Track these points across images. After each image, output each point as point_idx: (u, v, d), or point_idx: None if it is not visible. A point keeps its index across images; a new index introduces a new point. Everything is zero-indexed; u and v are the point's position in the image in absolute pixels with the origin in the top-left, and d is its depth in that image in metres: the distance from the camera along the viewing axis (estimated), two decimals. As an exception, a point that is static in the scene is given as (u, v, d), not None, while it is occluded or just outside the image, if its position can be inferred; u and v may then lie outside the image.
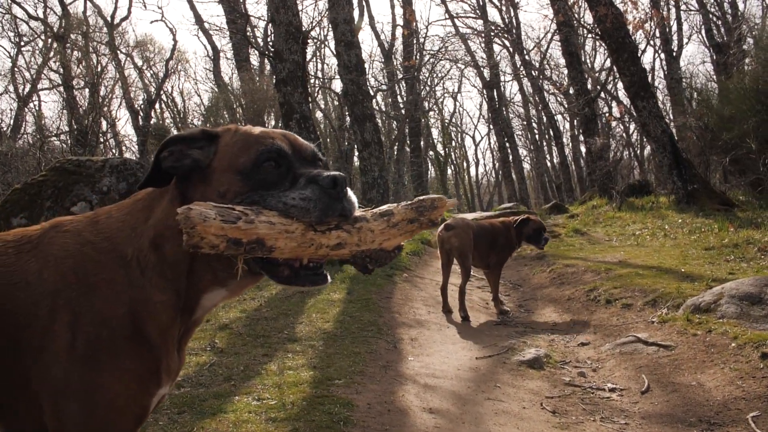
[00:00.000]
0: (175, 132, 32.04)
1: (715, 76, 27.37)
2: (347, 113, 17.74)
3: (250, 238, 1.53)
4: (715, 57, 28.36)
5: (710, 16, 29.44)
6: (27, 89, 32.20)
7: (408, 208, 1.77)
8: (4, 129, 28.03)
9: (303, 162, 1.77)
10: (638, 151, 35.56)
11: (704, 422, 3.89)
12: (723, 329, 5.19)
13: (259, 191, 1.67)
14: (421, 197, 1.82)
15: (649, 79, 32.71)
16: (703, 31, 31.69)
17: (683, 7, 32.04)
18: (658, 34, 28.97)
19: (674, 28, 31.16)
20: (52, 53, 31.01)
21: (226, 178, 1.71)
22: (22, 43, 32.41)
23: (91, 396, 1.61)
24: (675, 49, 30.32)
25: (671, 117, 26.31)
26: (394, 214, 1.75)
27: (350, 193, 1.69)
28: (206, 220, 1.48)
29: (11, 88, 32.20)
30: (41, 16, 32.59)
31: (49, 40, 31.59)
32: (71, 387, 1.61)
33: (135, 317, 1.68)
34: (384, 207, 1.79)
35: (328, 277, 1.75)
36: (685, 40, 36.40)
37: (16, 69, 32.39)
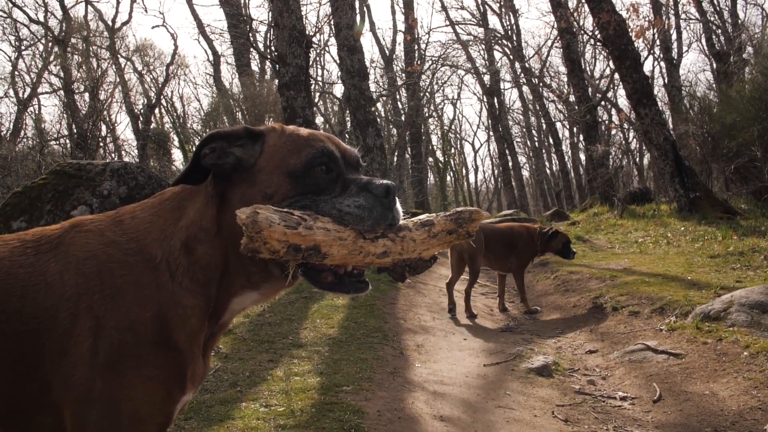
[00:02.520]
0: (175, 137, 31.94)
1: (715, 85, 27.46)
2: (348, 118, 17.70)
3: (308, 244, 1.50)
4: (715, 65, 28.44)
5: (710, 24, 29.53)
6: (27, 93, 32.16)
7: (447, 219, 1.78)
8: (4, 132, 27.99)
9: (349, 167, 1.75)
10: (637, 159, 35.64)
11: (720, 432, 3.82)
12: (734, 338, 5.13)
13: (309, 195, 1.64)
14: (459, 209, 1.82)
15: (650, 86, 32.85)
16: (703, 40, 31.82)
17: (683, 15, 32.15)
18: (658, 42, 29.03)
19: (674, 36, 31.25)
20: (52, 57, 31.00)
21: (275, 180, 1.66)
22: (23, 47, 32.43)
23: (114, 404, 1.54)
24: (675, 57, 30.37)
25: (671, 125, 26.33)
26: (435, 225, 1.75)
27: (398, 202, 1.68)
28: (272, 225, 1.45)
29: (11, 91, 32.16)
30: (42, 19, 32.61)
31: (50, 44, 31.60)
32: (93, 394, 1.54)
33: (162, 322, 1.62)
34: (424, 216, 1.78)
35: (369, 285, 1.73)
36: (684, 49, 36.52)
37: (16, 72, 32.37)
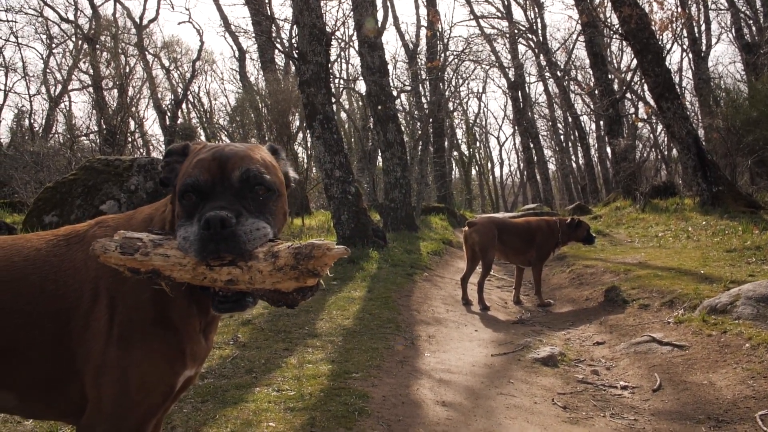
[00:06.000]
0: (201, 132, 32.34)
1: (745, 77, 27.02)
2: (370, 114, 17.89)
3: (146, 268, 1.68)
4: (745, 57, 27.95)
5: (740, 15, 28.98)
6: (58, 90, 33.04)
7: (290, 254, 1.63)
8: (37, 129, 28.75)
9: (226, 192, 1.76)
10: (665, 153, 35.22)
11: (713, 419, 3.95)
12: (738, 330, 5.23)
13: (182, 219, 1.76)
14: (307, 242, 1.65)
15: (678, 79, 32.42)
16: (733, 31, 31.24)
17: (712, 6, 31.62)
18: (686, 34, 28.65)
19: (703, 27, 30.76)
20: (82, 54, 31.73)
21: (175, 200, 1.85)
22: (54, 45, 33.28)
23: (124, 373, 1.80)
24: (703, 49, 29.92)
25: (699, 117, 26.02)
26: (279, 257, 1.63)
27: (242, 230, 1.66)
28: (106, 252, 1.68)
29: (43, 89, 33.06)
30: (72, 18, 33.40)
31: (80, 41, 32.35)
32: (108, 364, 1.81)
33: (158, 302, 1.87)
34: (282, 245, 1.67)
35: (244, 305, 1.74)
36: (714, 40, 35.98)
37: (47, 70, 33.24)
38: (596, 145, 38.46)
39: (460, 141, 46.93)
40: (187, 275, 1.67)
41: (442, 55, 25.50)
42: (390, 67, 18.95)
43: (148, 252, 1.67)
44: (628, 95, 30.63)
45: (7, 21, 41.25)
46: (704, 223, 12.63)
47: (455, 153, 44.65)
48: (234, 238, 1.63)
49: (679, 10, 23.00)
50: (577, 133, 36.06)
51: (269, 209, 1.80)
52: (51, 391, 1.90)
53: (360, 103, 30.52)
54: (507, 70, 36.30)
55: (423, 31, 29.58)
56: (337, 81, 27.18)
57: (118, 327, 1.82)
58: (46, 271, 1.90)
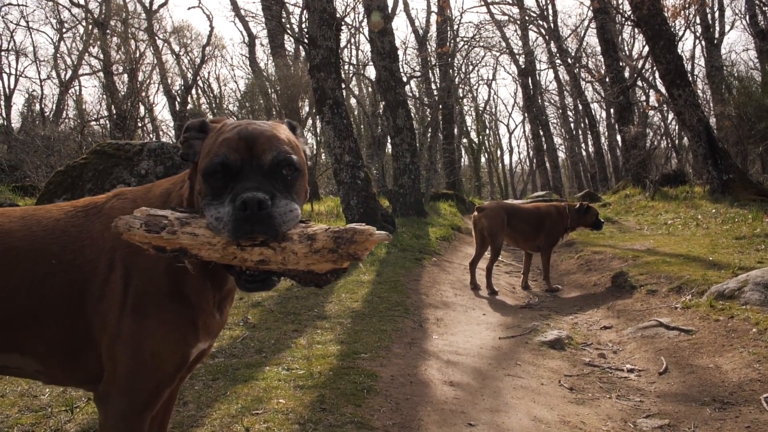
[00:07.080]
0: (211, 118, 32.56)
1: (759, 64, 26.74)
2: (380, 99, 17.88)
3: (173, 246, 1.67)
4: (759, 44, 27.62)
5: (755, 1, 28.60)
6: (68, 75, 33.14)
7: (329, 237, 1.66)
8: (47, 113, 28.91)
9: (256, 172, 1.75)
10: (676, 140, 34.99)
11: (717, 401, 3.99)
12: (745, 315, 5.25)
13: (207, 198, 1.75)
14: (347, 226, 1.68)
15: (690, 66, 32.15)
16: (747, 17, 30.84)
17: (727, -8, 31.17)
18: (698, 21, 28.35)
19: (716, 14, 30.42)
20: (92, 39, 31.81)
21: (199, 178, 1.82)
22: (64, 30, 33.39)
23: (138, 343, 1.85)
24: (716, 36, 29.61)
25: (711, 105, 25.82)
26: (317, 240, 1.66)
27: (277, 212, 1.67)
28: (131, 229, 1.66)
29: (54, 73, 33.19)
30: (82, 2, 33.44)
31: (90, 26, 32.40)
32: (122, 333, 1.85)
33: (173, 275, 1.90)
34: (317, 228, 1.70)
35: (270, 284, 1.76)
36: (727, 27, 35.53)
37: (58, 55, 33.36)
38: (606, 132, 38.24)
39: (469, 128, 46.71)
40: (216, 254, 1.67)
41: (452, 41, 25.38)
42: (400, 52, 18.94)
43: (175, 230, 1.67)
44: (639, 82, 30.39)
45: (18, 5, 41.22)
46: (714, 210, 12.61)
47: (465, 140, 44.42)
48: (270, 220, 1.64)
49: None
50: (587, 121, 35.90)
51: (295, 189, 1.81)
52: (69, 359, 1.95)
53: (370, 88, 30.45)
54: (517, 56, 36.07)
55: (433, 17, 29.42)
56: (347, 66, 27.17)
57: (133, 298, 1.86)
58: (65, 241, 1.94)
